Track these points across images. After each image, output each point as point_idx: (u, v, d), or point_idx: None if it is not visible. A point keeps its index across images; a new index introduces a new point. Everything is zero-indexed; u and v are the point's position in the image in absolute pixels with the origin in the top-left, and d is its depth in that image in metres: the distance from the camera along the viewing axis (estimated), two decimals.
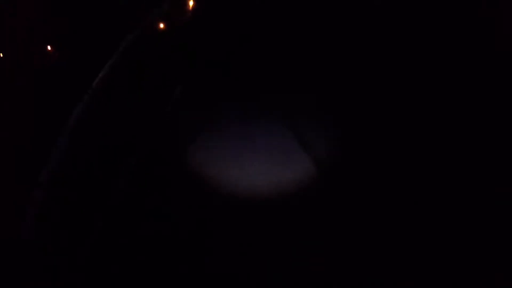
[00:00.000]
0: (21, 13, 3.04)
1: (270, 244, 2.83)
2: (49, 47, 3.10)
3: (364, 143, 2.99)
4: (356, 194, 2.88)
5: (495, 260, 2.69)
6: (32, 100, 3.04)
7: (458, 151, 2.90)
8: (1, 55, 2.96)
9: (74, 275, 2.76)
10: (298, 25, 3.15)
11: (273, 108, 3.08)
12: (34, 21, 3.08)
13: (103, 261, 2.83)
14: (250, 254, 2.81)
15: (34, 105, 3.03)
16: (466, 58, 3.02)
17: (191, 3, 3.18)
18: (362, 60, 3.08)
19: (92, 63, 3.08)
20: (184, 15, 3.17)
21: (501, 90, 2.96)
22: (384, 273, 2.74)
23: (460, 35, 3.06)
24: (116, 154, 3.00)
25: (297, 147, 3.01)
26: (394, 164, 2.92)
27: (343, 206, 2.87)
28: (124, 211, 2.92)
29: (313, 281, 2.75)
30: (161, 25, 3.13)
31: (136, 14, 3.13)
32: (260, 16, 3.16)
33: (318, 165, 2.96)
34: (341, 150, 3.00)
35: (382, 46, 3.08)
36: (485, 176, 2.84)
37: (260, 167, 2.98)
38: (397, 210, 2.83)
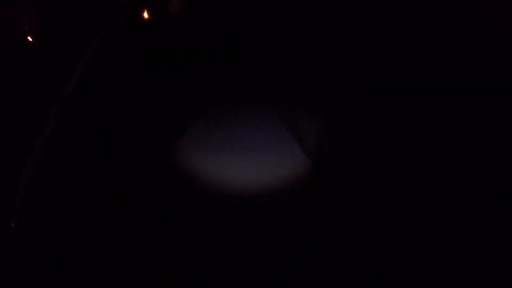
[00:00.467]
0: (21, 12, 3.06)
1: (267, 242, 2.83)
2: (48, 46, 3.12)
3: (360, 138, 2.99)
4: (353, 189, 2.88)
5: (495, 260, 2.70)
6: (31, 100, 3.05)
7: (458, 150, 2.91)
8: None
9: (64, 274, 2.77)
10: (296, 21, 3.15)
11: (267, 100, 3.08)
12: (34, 20, 3.10)
13: (94, 260, 2.83)
14: (247, 253, 2.82)
15: (34, 104, 3.05)
16: (466, 58, 3.03)
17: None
18: (361, 57, 3.09)
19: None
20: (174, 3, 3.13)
21: (501, 90, 2.97)
22: (384, 273, 2.74)
23: (460, 35, 3.07)
24: (104, 148, 3.00)
25: (292, 140, 3.00)
26: (393, 160, 2.92)
27: (340, 201, 2.87)
28: (115, 206, 2.92)
29: (313, 281, 2.76)
30: (145, 14, 3.08)
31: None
32: (258, 9, 3.16)
33: (313, 159, 2.96)
34: (337, 143, 3.01)
35: (381, 43, 3.09)
36: (485, 176, 2.85)
37: (253, 160, 2.97)
38: (396, 208, 2.84)
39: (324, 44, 3.11)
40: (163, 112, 3.10)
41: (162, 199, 2.97)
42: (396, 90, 3.03)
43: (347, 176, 2.94)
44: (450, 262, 2.73)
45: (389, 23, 3.10)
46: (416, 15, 3.09)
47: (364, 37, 3.11)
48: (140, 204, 2.97)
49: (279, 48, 3.12)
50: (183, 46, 3.19)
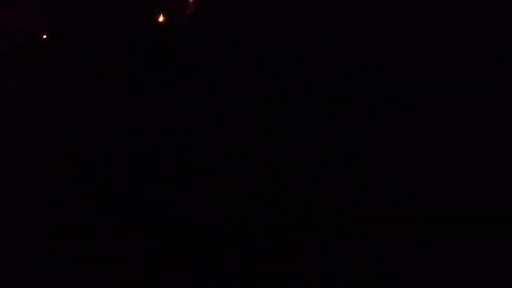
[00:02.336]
0: (20, 12, 3.07)
1: (265, 242, 2.85)
2: (49, 46, 3.13)
3: (362, 139, 3.00)
4: (353, 189, 2.89)
5: (495, 260, 2.70)
6: (32, 100, 3.06)
7: (455, 149, 2.91)
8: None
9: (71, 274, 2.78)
10: (297, 23, 3.15)
11: (271, 105, 3.09)
12: (33, 19, 3.11)
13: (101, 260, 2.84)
14: (245, 253, 2.83)
15: (34, 104, 3.06)
16: (465, 58, 3.03)
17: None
18: (360, 59, 3.09)
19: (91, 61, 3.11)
20: (186, 9, 3.16)
21: (500, 90, 2.96)
22: (383, 273, 2.74)
23: (459, 35, 3.07)
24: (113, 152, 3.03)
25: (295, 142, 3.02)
26: (392, 160, 2.93)
27: (339, 202, 2.88)
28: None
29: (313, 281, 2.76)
30: (161, 19, 3.13)
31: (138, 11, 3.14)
32: (262, 14, 3.17)
33: (315, 160, 2.97)
34: (339, 145, 3.01)
35: (381, 44, 3.09)
36: (485, 176, 2.85)
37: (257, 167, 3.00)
38: (396, 207, 2.84)
39: (328, 49, 3.12)
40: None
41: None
42: (395, 89, 3.04)
43: (349, 177, 2.95)
44: (450, 262, 2.74)
45: (389, 23, 3.10)
46: (415, 15, 3.09)
47: (365, 38, 3.11)
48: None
49: (287, 55, 3.13)
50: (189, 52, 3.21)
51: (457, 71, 3.00)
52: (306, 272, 2.77)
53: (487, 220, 2.76)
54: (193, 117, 3.10)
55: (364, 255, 2.78)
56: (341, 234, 2.85)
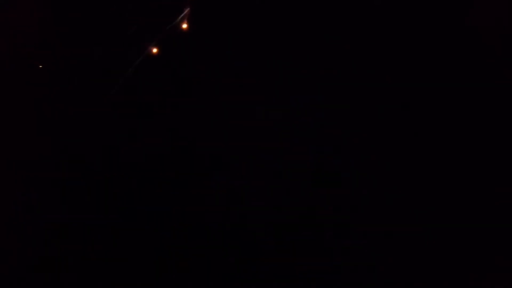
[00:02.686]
0: (21, 12, 3.07)
1: (265, 242, 2.85)
2: (49, 47, 3.13)
3: (362, 139, 3.00)
4: (354, 190, 2.90)
5: (495, 260, 2.70)
6: (32, 100, 3.06)
7: (455, 149, 2.91)
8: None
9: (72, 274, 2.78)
10: (298, 24, 3.15)
11: (271, 105, 3.09)
12: (35, 21, 3.11)
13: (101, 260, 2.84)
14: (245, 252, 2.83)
15: (34, 104, 3.06)
16: (465, 58, 3.03)
17: (184, 26, 3.20)
18: (360, 59, 3.09)
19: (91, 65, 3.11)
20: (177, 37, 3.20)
21: (500, 90, 2.96)
22: (383, 273, 2.75)
23: (459, 35, 3.07)
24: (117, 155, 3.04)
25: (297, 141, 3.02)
26: (392, 159, 2.93)
27: (340, 202, 2.88)
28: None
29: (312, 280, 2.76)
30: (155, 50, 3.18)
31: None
32: (262, 14, 3.16)
33: (316, 160, 2.97)
34: (339, 145, 3.01)
35: (381, 44, 3.09)
36: (485, 176, 2.85)
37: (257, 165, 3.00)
38: (396, 207, 2.84)
39: (329, 50, 3.11)
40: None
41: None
42: (395, 89, 3.04)
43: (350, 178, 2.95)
44: (450, 262, 2.73)
45: (389, 23, 3.10)
46: (414, 15, 3.09)
47: (365, 38, 3.11)
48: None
49: (288, 56, 3.13)
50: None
51: (457, 71, 3.00)
52: (306, 272, 2.78)
53: (487, 220, 2.76)
54: (193, 117, 3.10)
55: (364, 255, 2.79)
56: (341, 234, 2.85)
